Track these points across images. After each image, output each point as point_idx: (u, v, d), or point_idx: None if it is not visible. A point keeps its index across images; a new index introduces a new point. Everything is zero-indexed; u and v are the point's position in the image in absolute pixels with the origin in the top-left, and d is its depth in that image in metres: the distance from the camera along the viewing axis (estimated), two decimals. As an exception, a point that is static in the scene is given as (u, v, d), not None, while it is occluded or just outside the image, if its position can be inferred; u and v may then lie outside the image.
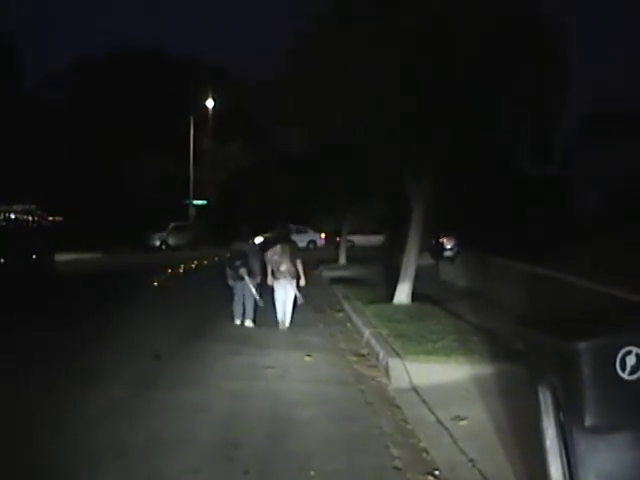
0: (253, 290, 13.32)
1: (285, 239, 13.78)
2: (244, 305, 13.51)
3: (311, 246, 43.90)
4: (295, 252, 13.48)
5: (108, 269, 27.78)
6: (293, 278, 13.23)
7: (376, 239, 42.81)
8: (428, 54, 12.60)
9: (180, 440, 6.65)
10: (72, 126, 48.07)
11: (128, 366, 9.88)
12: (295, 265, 13.22)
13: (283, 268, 13.10)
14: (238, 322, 13.52)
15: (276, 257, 13.17)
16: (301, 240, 42.01)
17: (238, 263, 13.29)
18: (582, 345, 3.66)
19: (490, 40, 12.58)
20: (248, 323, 13.46)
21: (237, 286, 13.52)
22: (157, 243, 43.56)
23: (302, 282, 13.36)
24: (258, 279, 13.49)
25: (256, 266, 13.43)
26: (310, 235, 45.19)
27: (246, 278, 13.26)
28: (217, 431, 6.96)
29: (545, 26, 13.68)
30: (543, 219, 27.08)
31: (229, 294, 14.00)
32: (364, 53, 13.13)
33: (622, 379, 3.67)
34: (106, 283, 22.53)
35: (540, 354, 4.00)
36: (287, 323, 13.25)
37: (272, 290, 13.39)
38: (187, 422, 7.25)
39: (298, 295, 13.33)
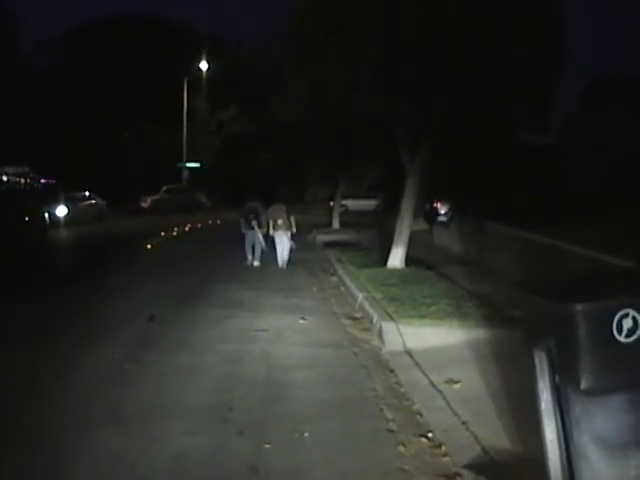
0: (260, 237, 17.09)
1: (283, 200, 17.96)
2: (253, 248, 17.21)
3: None
4: (288, 210, 17.18)
5: (101, 233, 27.68)
6: (288, 229, 16.91)
7: (370, 203, 42.71)
8: (426, 22, 12.44)
9: (175, 403, 6.69)
10: (66, 92, 47.52)
11: (121, 329, 9.89)
12: (289, 220, 16.94)
13: (280, 222, 16.81)
14: (250, 263, 17.16)
15: (276, 214, 16.95)
16: None
17: (251, 216, 17.15)
18: (578, 307, 3.64)
19: (486, 6, 12.46)
20: (256, 263, 17.16)
21: (248, 234, 17.28)
22: (147, 206, 42.03)
23: (293, 230, 17.08)
24: (264, 229, 17.04)
25: (263, 220, 17.09)
26: None
27: (256, 228, 17.00)
28: (212, 394, 6.99)
29: None
30: (540, 187, 27.02)
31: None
32: (363, 23, 13.00)
33: (618, 342, 3.66)
34: (99, 246, 22.46)
35: (536, 317, 3.98)
36: (285, 264, 16.84)
37: (273, 239, 17.01)
38: (182, 385, 7.27)
39: (292, 243, 17.03)
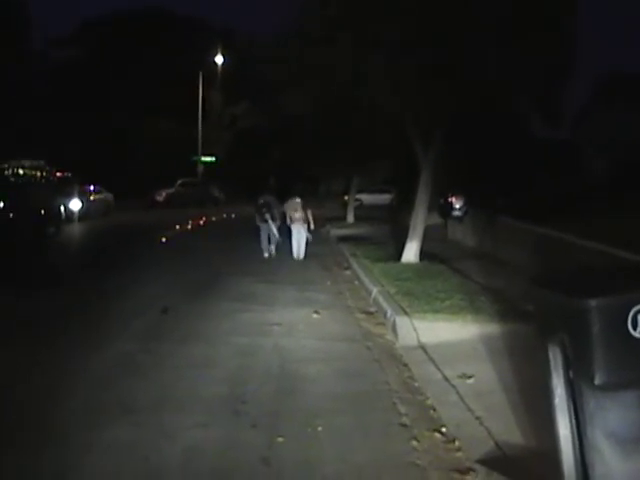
0: (274, 230, 17.62)
1: (298, 194, 18.06)
2: (269, 240, 17.66)
3: None
4: (305, 204, 17.63)
5: (116, 226, 27.73)
6: (304, 222, 17.32)
7: (385, 198, 42.66)
8: (426, 22, 12.40)
9: (188, 395, 6.70)
10: (79, 87, 47.62)
11: (135, 321, 9.93)
12: (306, 213, 17.38)
13: (297, 215, 17.32)
14: (266, 255, 17.58)
15: (292, 207, 17.46)
16: None
17: (264, 210, 17.59)
18: (593, 302, 3.62)
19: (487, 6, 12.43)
20: (272, 252, 17.65)
21: (263, 227, 17.74)
22: (161, 199, 42.10)
23: (311, 226, 17.50)
24: (278, 222, 17.72)
25: (276, 212, 17.67)
26: None
27: (269, 221, 17.46)
28: (224, 386, 6.99)
29: None
30: (552, 182, 26.91)
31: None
32: (366, 24, 13.00)
33: (633, 337, 3.63)
34: (114, 240, 22.50)
35: (550, 312, 3.96)
36: (302, 255, 17.25)
37: (289, 231, 17.49)
38: (195, 377, 7.28)
39: (308, 235, 17.35)
